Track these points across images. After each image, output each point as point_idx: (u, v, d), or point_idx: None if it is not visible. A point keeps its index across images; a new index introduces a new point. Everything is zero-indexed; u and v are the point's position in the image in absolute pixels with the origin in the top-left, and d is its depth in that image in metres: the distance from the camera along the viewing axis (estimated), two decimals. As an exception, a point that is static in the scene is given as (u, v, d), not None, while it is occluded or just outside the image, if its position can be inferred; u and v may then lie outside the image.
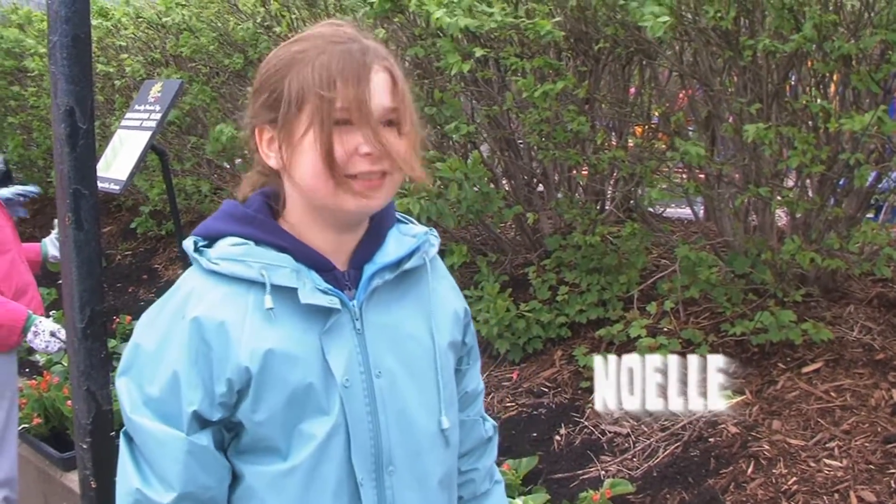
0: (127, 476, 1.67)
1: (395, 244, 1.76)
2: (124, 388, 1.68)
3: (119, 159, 4.94)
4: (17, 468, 4.19)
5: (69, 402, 4.77)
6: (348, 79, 1.58)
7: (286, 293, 1.64)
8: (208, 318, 1.62)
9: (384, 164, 1.61)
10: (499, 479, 2.09)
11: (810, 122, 3.98)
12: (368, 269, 1.72)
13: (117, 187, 4.80)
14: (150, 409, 1.64)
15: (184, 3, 6.84)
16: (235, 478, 1.72)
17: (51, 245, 4.53)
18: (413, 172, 1.67)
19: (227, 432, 1.70)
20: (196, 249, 1.71)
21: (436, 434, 1.76)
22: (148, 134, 4.84)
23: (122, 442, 1.70)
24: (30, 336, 3.94)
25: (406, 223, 1.85)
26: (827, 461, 3.42)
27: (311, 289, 1.65)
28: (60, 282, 4.05)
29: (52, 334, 3.91)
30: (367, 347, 1.70)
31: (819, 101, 3.78)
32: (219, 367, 1.62)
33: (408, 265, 1.75)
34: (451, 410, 1.80)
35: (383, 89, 1.62)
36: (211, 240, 1.73)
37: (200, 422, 1.64)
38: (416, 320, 1.76)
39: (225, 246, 1.69)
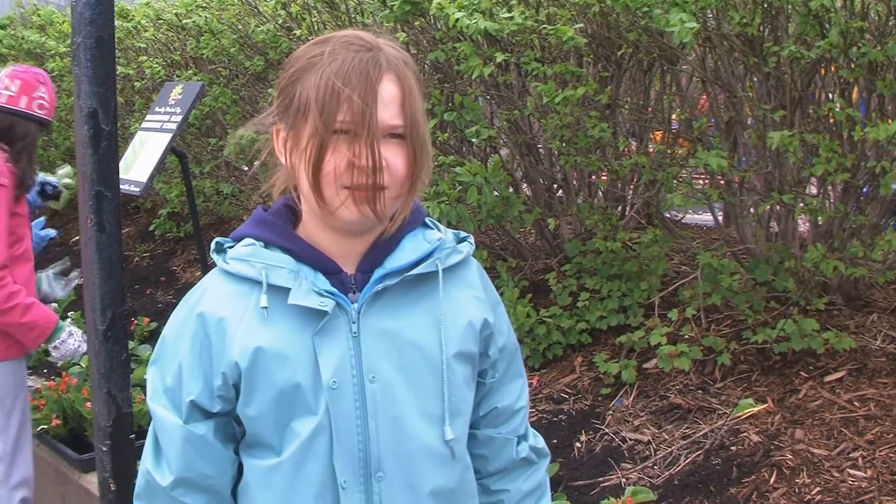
0: (145, 458, 1.77)
1: (411, 249, 1.76)
2: (150, 377, 1.78)
3: (139, 161, 4.95)
4: (35, 469, 4.21)
5: (88, 403, 4.78)
6: (353, 90, 1.59)
7: (284, 293, 1.67)
8: (211, 313, 1.70)
9: (381, 178, 1.61)
10: None
11: (834, 129, 3.95)
12: (377, 274, 1.72)
13: (137, 189, 4.80)
14: (167, 397, 1.74)
15: (204, 5, 6.85)
16: (241, 472, 1.79)
17: (45, 281, 4.51)
18: (408, 192, 1.68)
19: (239, 426, 1.76)
20: (218, 251, 1.78)
21: (436, 444, 1.74)
22: (168, 136, 4.84)
23: (150, 428, 1.79)
24: (63, 336, 4.04)
25: (431, 228, 1.83)
26: (851, 471, 3.39)
27: (306, 290, 1.67)
28: (79, 282, 4.06)
29: (84, 334, 3.98)
30: (362, 351, 1.70)
31: (844, 108, 3.75)
32: (217, 361, 1.69)
33: (414, 272, 1.73)
34: (458, 422, 1.78)
35: (390, 103, 1.62)
36: (236, 242, 1.78)
37: (201, 412, 1.72)
38: (422, 328, 1.74)
39: (239, 247, 1.75)
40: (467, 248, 1.85)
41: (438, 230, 1.84)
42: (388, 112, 1.61)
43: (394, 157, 1.63)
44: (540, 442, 2.02)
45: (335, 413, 1.67)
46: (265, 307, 1.66)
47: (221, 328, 1.68)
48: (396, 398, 1.71)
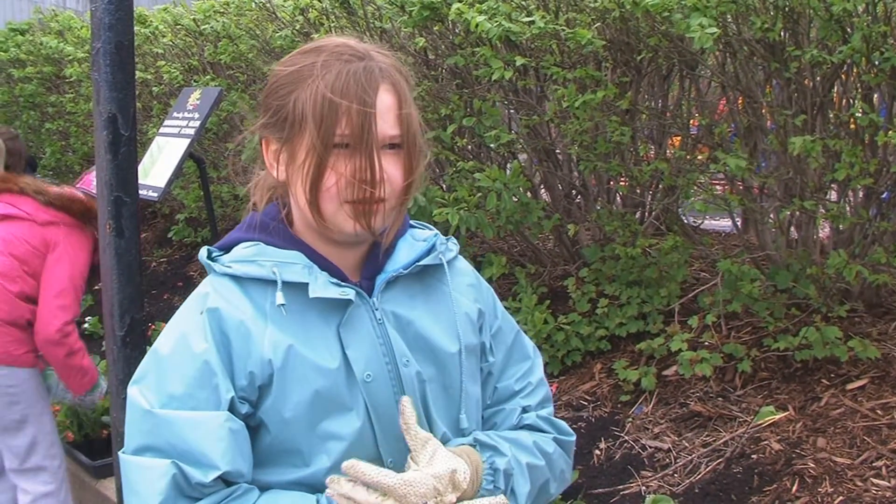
0: (154, 465, 1.55)
1: (407, 251, 1.77)
2: (138, 394, 1.61)
3: (157, 167, 4.94)
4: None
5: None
6: (351, 103, 1.57)
7: (299, 289, 1.63)
8: (227, 312, 1.62)
9: (381, 191, 1.60)
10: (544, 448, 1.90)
11: (856, 135, 3.92)
12: (380, 279, 1.72)
13: (155, 195, 4.79)
14: (173, 407, 1.57)
15: (222, 10, 6.86)
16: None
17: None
18: (403, 201, 1.67)
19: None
20: (210, 258, 1.72)
21: (454, 432, 1.75)
22: (186, 141, 4.84)
23: (122, 462, 1.59)
24: (103, 389, 4.37)
25: (419, 228, 1.85)
26: (874, 480, 3.35)
27: (324, 283, 1.64)
28: (97, 287, 4.07)
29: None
30: (390, 337, 1.68)
31: (867, 113, 3.71)
32: (239, 362, 1.60)
33: (422, 262, 1.74)
34: (473, 413, 1.79)
35: (387, 113, 1.61)
36: (227, 249, 1.74)
37: (233, 411, 1.60)
38: (434, 321, 1.75)
39: (238, 250, 1.71)
40: (454, 245, 1.86)
41: (428, 228, 1.86)
42: (386, 122, 1.60)
43: (392, 169, 1.62)
44: (561, 423, 1.97)
45: (375, 406, 1.64)
46: (282, 304, 1.61)
47: (244, 328, 1.60)
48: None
